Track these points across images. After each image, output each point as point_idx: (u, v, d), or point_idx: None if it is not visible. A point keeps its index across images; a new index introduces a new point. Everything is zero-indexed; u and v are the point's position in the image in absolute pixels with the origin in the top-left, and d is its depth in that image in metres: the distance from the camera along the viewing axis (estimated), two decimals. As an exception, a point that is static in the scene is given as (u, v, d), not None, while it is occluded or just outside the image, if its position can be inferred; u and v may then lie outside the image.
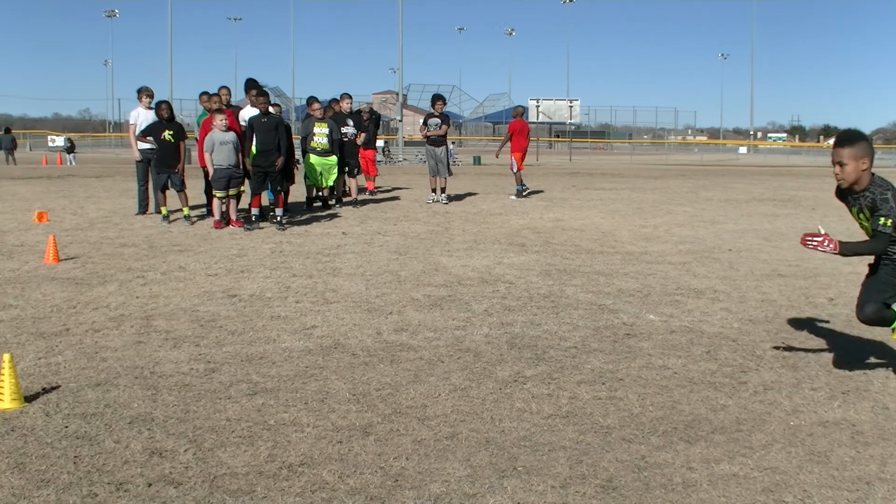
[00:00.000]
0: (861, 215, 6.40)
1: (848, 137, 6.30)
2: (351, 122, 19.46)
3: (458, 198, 22.10)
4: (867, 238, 6.42)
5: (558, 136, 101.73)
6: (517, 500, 4.56)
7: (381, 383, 6.48)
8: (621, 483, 4.76)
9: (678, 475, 4.89)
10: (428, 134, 20.66)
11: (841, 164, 6.26)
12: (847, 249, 6.23)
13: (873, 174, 6.28)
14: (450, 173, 21.31)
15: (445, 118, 20.80)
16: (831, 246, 6.11)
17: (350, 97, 20.33)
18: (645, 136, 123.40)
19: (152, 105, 17.14)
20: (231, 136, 15.17)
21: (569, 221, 17.36)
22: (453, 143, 64.28)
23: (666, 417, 5.83)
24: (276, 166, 14.92)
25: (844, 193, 6.51)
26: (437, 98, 20.93)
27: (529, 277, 10.72)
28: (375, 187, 23.52)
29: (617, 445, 5.31)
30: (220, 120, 15.12)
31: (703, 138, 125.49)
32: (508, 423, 5.70)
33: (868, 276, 6.54)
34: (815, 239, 6.12)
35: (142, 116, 17.27)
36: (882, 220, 6.12)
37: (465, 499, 4.57)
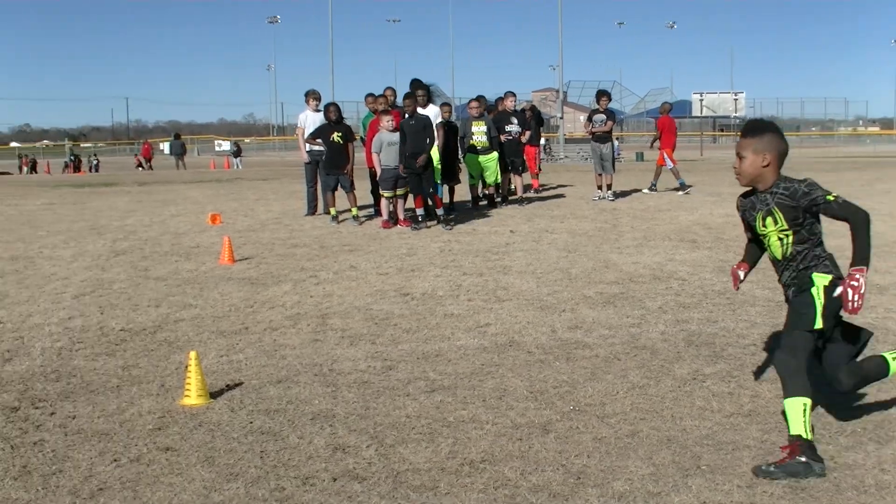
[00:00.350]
0: (769, 220, 5.27)
1: (752, 127, 5.33)
2: (515, 121, 19.43)
3: (624, 194, 21.87)
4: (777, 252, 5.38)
5: (722, 130, 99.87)
6: (703, 499, 4.50)
7: (558, 381, 6.47)
8: (810, 483, 4.64)
9: (870, 477, 4.74)
10: (593, 130, 20.49)
11: (740, 157, 5.28)
12: (866, 260, 5.13)
13: (781, 175, 5.27)
14: (614, 170, 21.08)
15: (611, 114, 20.57)
16: (859, 278, 5.02)
17: (514, 95, 20.26)
18: (813, 129, 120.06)
19: (320, 107, 17.50)
20: (398, 136, 15.33)
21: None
22: (618, 139, 63.87)
23: (854, 417, 5.65)
24: (418, 164, 14.96)
25: (748, 203, 5.47)
26: (602, 94, 20.70)
27: (703, 274, 10.53)
28: (540, 185, 23.48)
29: (804, 445, 5.18)
30: (387, 121, 15.31)
31: (876, 129, 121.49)
32: (689, 421, 5.62)
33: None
34: (851, 296, 4.98)
35: (310, 119, 17.65)
36: (829, 197, 5.01)
37: (649, 497, 4.53)
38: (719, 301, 9.03)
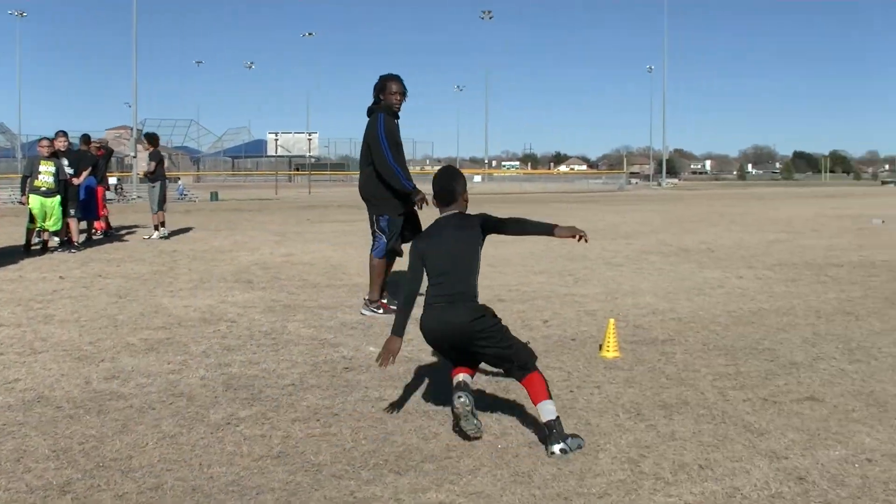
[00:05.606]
0: None
1: None
2: (66, 161, 18.71)
3: (182, 232, 21.68)
4: None
5: (298, 170, 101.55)
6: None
7: (85, 436, 6.15)
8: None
9: (385, 509, 4.86)
10: (144, 172, 21.59)
11: None
12: None
13: None
14: (161, 208, 21.65)
15: (155, 155, 21.51)
16: None
17: (65, 134, 19.49)
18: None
19: None
20: None
21: (299, 255, 17.28)
22: (178, 179, 63.05)
23: (378, 450, 5.79)
24: None
25: None
26: (147, 136, 21.99)
27: (252, 315, 10.54)
28: (109, 227, 22.80)
29: (327, 483, 5.23)
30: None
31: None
32: (217, 468, 5.52)
33: None
34: None
35: None
36: None
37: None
38: (264, 342, 9.04)
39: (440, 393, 7.05)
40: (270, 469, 5.49)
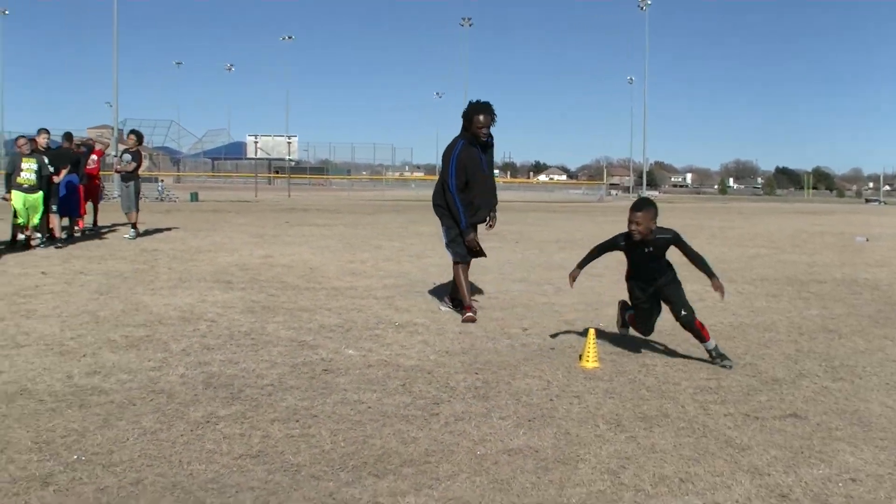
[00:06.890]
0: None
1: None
2: (46, 159, 18.74)
3: (162, 232, 21.67)
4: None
5: (277, 173, 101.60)
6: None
7: (67, 430, 6.20)
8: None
9: (365, 511, 4.93)
10: (118, 169, 21.14)
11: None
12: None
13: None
14: (135, 208, 21.42)
15: (136, 155, 21.15)
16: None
17: (47, 131, 19.58)
18: (364, 172, 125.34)
19: None
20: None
21: (278, 258, 17.31)
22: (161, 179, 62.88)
23: (357, 452, 5.86)
24: None
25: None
26: (131, 133, 21.09)
27: (232, 315, 10.60)
28: (90, 225, 22.89)
29: (306, 483, 5.30)
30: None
31: (421, 174, 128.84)
32: (197, 465, 5.58)
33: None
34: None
35: None
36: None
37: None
38: (244, 342, 9.10)
39: (419, 398, 7.13)
40: (249, 468, 5.56)
